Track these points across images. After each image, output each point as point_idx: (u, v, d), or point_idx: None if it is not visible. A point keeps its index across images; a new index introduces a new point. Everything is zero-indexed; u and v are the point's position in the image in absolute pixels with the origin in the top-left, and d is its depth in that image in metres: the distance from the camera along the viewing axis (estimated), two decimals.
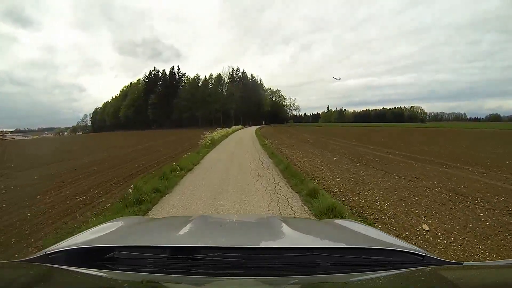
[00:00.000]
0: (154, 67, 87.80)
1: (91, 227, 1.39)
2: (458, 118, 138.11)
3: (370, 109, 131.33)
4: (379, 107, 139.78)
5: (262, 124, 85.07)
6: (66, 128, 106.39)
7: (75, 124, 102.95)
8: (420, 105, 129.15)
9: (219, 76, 77.30)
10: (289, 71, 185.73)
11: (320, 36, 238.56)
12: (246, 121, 67.22)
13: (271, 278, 0.76)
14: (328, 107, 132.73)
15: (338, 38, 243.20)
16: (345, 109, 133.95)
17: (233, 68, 78.98)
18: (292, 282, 0.78)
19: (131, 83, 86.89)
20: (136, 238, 1.09)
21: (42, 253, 0.87)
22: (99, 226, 1.32)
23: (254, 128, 47.52)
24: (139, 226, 1.37)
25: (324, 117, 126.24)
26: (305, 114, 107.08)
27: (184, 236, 1.03)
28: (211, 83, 76.72)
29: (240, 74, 77.24)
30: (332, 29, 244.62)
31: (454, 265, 0.90)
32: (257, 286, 0.75)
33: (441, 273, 0.78)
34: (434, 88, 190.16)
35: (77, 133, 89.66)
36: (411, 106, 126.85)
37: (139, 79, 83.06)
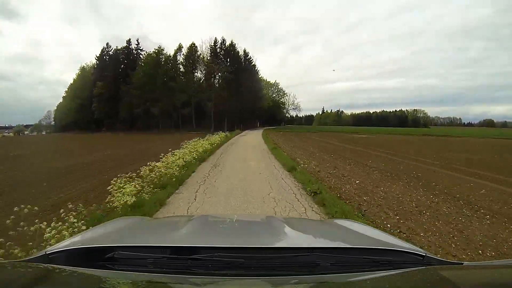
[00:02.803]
0: (107, 44, 58.27)
1: (91, 227, 1.43)
2: (453, 123, 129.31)
3: (371, 112, 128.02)
4: (371, 110, 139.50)
5: (257, 127, 57.93)
6: (28, 126, 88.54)
7: (37, 122, 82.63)
8: (422, 109, 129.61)
9: (192, 49, 48.73)
10: (278, 72, 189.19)
11: (310, 39, 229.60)
12: (234, 123, 44.78)
13: (271, 278, 0.78)
14: (323, 108, 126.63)
15: (328, 41, 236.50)
16: (342, 111, 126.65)
17: (216, 38, 49.43)
18: (292, 282, 0.81)
19: (83, 68, 61.98)
20: (136, 238, 1.09)
21: (42, 253, 0.88)
22: (99, 226, 1.34)
23: (254, 138, 25.11)
24: (139, 226, 1.38)
25: (319, 119, 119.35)
26: (296, 116, 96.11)
27: (184, 236, 1.04)
28: (181, 61, 50.05)
29: (226, 45, 48.96)
30: (322, 31, 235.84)
31: (454, 265, 0.93)
32: (257, 286, 0.76)
33: (441, 273, 0.80)
34: (422, 93, 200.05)
35: (42, 132, 72.37)
36: (414, 110, 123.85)
37: (94, 64, 57.83)
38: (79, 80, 58.95)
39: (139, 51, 55.24)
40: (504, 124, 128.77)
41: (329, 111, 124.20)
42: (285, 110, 73.77)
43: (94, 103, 51.56)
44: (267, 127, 57.08)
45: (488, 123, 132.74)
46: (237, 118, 44.22)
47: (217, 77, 46.46)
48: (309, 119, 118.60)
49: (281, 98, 70.10)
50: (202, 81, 47.59)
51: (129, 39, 55.68)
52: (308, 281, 0.80)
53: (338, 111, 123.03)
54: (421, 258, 0.89)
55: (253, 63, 50.86)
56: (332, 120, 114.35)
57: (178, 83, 45.70)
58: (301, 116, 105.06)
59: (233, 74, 44.90)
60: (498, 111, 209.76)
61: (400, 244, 1.02)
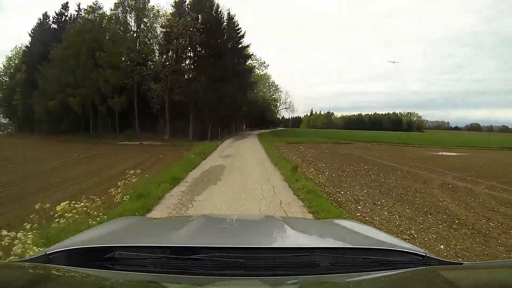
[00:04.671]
0: (45, 13, 37.87)
1: (91, 227, 1.50)
2: (440, 127, 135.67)
3: (363, 114, 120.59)
4: (354, 113, 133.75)
5: (244, 130, 48.03)
6: None
7: None
8: (416, 112, 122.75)
9: None
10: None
11: (295, 40, 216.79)
12: (207, 124, 25.91)
13: (271, 278, 0.79)
14: (311, 110, 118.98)
15: (315, 43, 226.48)
16: (332, 113, 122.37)
17: None
18: (292, 282, 0.82)
19: (23, 50, 40.86)
20: (136, 238, 1.10)
21: (42, 253, 0.88)
22: (99, 226, 1.37)
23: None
24: (139, 226, 1.37)
25: (308, 121, 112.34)
26: (283, 117, 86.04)
27: (184, 236, 1.05)
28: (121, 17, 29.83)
29: None
30: (309, 33, 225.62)
31: (454, 265, 0.95)
32: (257, 286, 0.78)
33: (441, 273, 0.82)
34: (404, 97, 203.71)
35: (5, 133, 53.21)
36: (408, 112, 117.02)
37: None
38: (7, 66, 42.27)
39: (78, 16, 36.61)
40: (490, 128, 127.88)
41: (317, 113, 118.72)
42: (277, 110, 59.38)
43: (16, 94, 35.86)
44: (258, 131, 42.10)
45: (475, 128, 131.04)
46: (213, 117, 25.06)
47: (181, 42, 25.16)
48: (296, 121, 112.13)
49: (272, 95, 55.47)
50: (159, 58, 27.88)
51: (66, 2, 36.83)
52: (308, 281, 0.81)
53: (328, 113, 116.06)
54: (421, 258, 0.90)
55: (240, 33, 30.00)
56: (321, 123, 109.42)
57: (109, 51, 25.90)
58: (287, 118, 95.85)
59: (207, 36, 24.92)
60: (477, 115, 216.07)
61: (400, 244, 1.03)
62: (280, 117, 75.91)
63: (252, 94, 37.37)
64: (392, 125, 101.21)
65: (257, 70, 39.26)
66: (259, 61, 39.67)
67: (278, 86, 57.72)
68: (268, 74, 52.41)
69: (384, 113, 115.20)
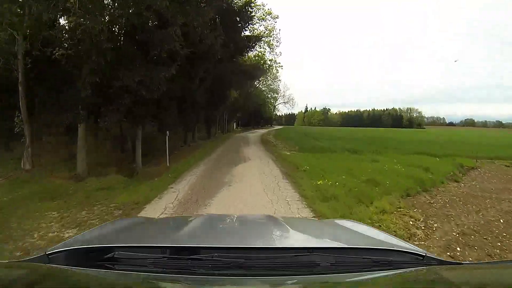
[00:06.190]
0: None
1: (91, 227, 1.45)
2: (436, 122, 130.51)
3: (361, 110, 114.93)
4: (344, 110, 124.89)
5: (236, 129, 39.57)
6: None
7: None
8: (416, 108, 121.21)
9: None
10: None
11: (289, 38, 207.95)
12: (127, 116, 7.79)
13: (271, 278, 0.80)
14: (306, 106, 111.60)
15: (309, 41, 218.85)
16: (329, 109, 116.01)
17: None
18: (292, 282, 0.84)
19: None
20: (136, 238, 1.09)
21: (42, 253, 0.88)
22: (99, 227, 1.36)
23: None
24: (139, 226, 1.36)
25: (302, 118, 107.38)
26: (275, 115, 76.52)
27: (184, 236, 1.05)
28: None
29: None
30: (304, 32, 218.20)
31: (454, 265, 0.97)
32: (257, 286, 0.79)
33: (441, 273, 0.83)
34: (396, 93, 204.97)
35: None
36: (408, 108, 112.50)
37: None
38: None
39: None
40: (484, 124, 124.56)
41: (312, 109, 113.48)
42: (275, 104, 46.96)
43: None
44: (254, 131, 30.39)
45: (469, 123, 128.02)
46: (148, 105, 8.07)
47: None
48: (290, 118, 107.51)
49: (271, 84, 42.58)
50: None
51: None
52: (308, 281, 0.82)
53: (324, 109, 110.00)
54: (421, 258, 0.91)
55: None
56: (318, 120, 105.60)
57: None
58: (280, 114, 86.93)
59: None
60: (466, 110, 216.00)
61: (400, 244, 1.03)
62: (274, 114, 63.76)
63: (243, 60, 19.27)
64: (392, 122, 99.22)
65: (258, 22, 18.80)
66: (261, 9, 18.56)
67: (278, 74, 44.76)
68: (276, 28, 26.59)
69: (383, 109, 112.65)
